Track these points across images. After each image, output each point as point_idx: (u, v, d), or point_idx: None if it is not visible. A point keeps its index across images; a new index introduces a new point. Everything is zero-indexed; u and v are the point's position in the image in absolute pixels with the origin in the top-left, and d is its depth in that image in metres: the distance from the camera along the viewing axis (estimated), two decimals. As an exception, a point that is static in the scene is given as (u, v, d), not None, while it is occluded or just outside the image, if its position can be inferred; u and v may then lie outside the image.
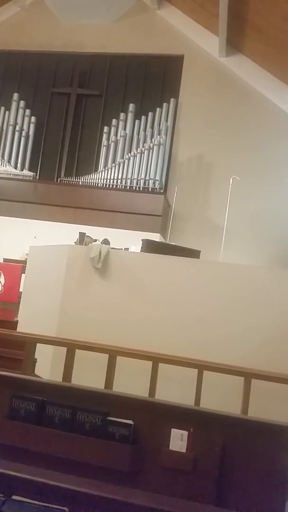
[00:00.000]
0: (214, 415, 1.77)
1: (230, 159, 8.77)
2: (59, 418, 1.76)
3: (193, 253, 4.39)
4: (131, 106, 9.32)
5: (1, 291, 7.21)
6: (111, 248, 4.11)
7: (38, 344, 3.42)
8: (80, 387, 1.87)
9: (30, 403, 1.78)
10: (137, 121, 9.26)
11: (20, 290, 6.32)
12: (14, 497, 0.96)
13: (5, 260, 7.92)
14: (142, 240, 4.21)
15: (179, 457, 1.73)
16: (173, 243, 5.27)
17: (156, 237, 7.77)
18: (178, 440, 1.74)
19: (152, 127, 9.17)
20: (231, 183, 6.65)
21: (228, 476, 1.66)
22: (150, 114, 9.24)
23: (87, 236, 4.73)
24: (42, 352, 3.66)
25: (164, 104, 9.23)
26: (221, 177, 8.36)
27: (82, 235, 4.71)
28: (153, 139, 8.94)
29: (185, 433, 1.75)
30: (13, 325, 4.72)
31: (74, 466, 1.49)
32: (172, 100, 9.24)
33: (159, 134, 8.98)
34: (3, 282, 7.24)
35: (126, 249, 4.80)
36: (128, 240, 5.97)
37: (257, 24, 8.01)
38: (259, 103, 8.95)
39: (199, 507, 1.09)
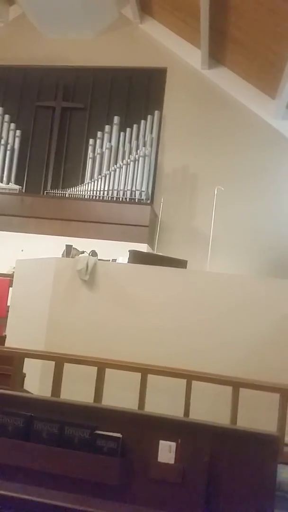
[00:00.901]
0: (202, 425, 1.79)
1: (214, 169, 8.89)
2: (47, 433, 1.76)
3: (180, 263, 4.43)
4: (116, 119, 9.41)
5: (-12, 305, 7.14)
6: (99, 259, 4.12)
7: (27, 360, 3.40)
8: (68, 401, 1.87)
9: (18, 419, 1.77)
10: (122, 133, 9.35)
11: (8, 304, 6.28)
12: (1, 514, 0.96)
13: (-8, 274, 7.86)
14: (129, 251, 4.23)
15: (168, 468, 1.73)
16: (160, 254, 5.31)
17: (143, 247, 7.80)
18: (167, 451, 1.75)
19: (137, 139, 9.27)
20: (215, 193, 6.74)
21: (217, 486, 1.67)
22: (135, 126, 9.34)
23: (73, 248, 4.74)
24: (31, 366, 3.64)
25: (149, 116, 9.34)
26: (206, 187, 8.46)
27: (68, 247, 4.72)
28: (138, 151, 9.02)
29: (173, 444, 1.75)
30: (1, 340, 4.69)
31: (62, 481, 1.49)
32: (156, 112, 9.36)
33: (144, 146, 9.07)
34: (-10, 296, 7.17)
35: (114, 260, 4.82)
36: (116, 251, 5.99)
37: (238, 38, 8.20)
38: (242, 113, 9.12)
39: None
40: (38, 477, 1.39)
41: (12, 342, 4.38)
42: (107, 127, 9.39)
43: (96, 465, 1.71)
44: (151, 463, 1.74)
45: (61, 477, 1.64)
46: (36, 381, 3.82)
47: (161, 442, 1.75)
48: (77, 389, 3.05)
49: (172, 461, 1.74)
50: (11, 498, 0.98)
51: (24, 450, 1.75)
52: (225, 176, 8.65)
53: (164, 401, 3.22)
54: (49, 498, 0.98)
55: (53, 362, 3.20)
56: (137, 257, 4.19)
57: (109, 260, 4.73)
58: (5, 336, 4.79)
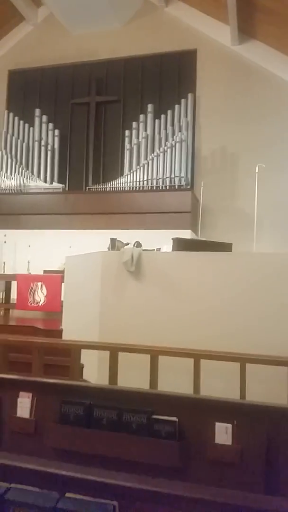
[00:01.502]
0: (257, 406, 1.80)
1: (254, 147, 8.65)
2: (106, 420, 1.84)
3: (225, 247, 4.39)
4: (150, 107, 9.38)
5: (44, 302, 7.46)
6: (143, 250, 4.18)
7: (83, 350, 3.53)
8: (124, 388, 1.95)
9: (78, 407, 1.87)
10: (157, 121, 9.31)
11: (62, 299, 6.51)
12: (67, 494, 1.05)
13: (45, 271, 8.18)
14: (172, 239, 4.25)
15: (225, 449, 1.76)
16: (204, 239, 5.28)
17: (187, 233, 7.78)
18: (223, 433, 1.78)
19: (173, 124, 9.19)
20: (257, 171, 6.57)
21: (275, 466, 1.68)
22: (169, 112, 9.26)
23: (118, 241, 4.83)
24: (88, 357, 3.78)
25: (182, 100, 9.22)
26: (247, 166, 8.26)
27: (113, 240, 4.81)
28: (174, 137, 8.96)
29: (229, 426, 1.78)
30: (58, 333, 4.89)
31: (123, 465, 1.56)
32: (189, 95, 9.22)
33: (180, 131, 8.98)
34: (45, 293, 7.48)
35: (158, 249, 4.86)
36: (160, 240, 6.02)
37: (268, 7, 7.85)
38: (278, 86, 8.77)
39: (249, 496, 1.13)
40: (99, 461, 1.47)
41: (68, 335, 4.56)
42: (141, 117, 9.39)
43: (155, 448, 1.77)
44: (208, 445, 1.77)
45: (121, 461, 1.71)
46: (94, 371, 3.97)
47: (217, 424, 1.78)
48: (133, 377, 3.14)
49: (229, 443, 1.77)
50: (74, 478, 1.06)
51: (86, 436, 1.85)
52: (266, 152, 8.39)
53: (219, 386, 3.24)
54: (109, 478, 1.04)
55: (108, 352, 3.30)
56: (181, 245, 4.20)
57: (154, 250, 4.77)
58: (61, 330, 4.99)
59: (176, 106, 9.23)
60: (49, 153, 9.86)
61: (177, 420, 1.79)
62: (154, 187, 8.86)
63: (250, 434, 1.74)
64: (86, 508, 1.00)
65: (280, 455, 1.70)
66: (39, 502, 1.03)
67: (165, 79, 9.65)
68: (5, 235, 9.21)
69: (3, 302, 8.39)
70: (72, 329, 4.67)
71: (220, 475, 1.71)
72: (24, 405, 2.04)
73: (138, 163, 9.19)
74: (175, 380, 3.15)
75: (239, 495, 1.03)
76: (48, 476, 1.10)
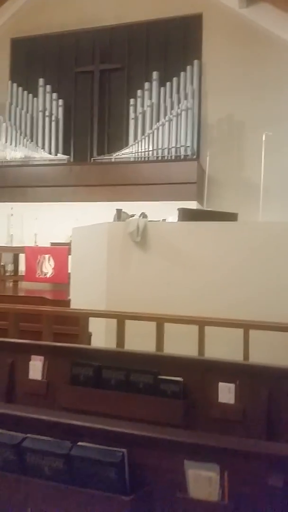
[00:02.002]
0: (258, 367, 1.87)
1: (261, 114, 8.47)
2: (114, 380, 1.93)
3: (230, 217, 4.39)
4: (155, 74, 9.17)
5: (52, 273, 7.57)
6: (149, 221, 4.20)
7: (91, 319, 3.62)
8: (131, 351, 2.03)
9: (88, 369, 1.95)
10: (162, 89, 9.12)
11: (69, 271, 6.60)
12: (79, 443, 1.13)
13: (52, 244, 8.25)
14: (178, 209, 4.26)
15: (228, 408, 1.85)
16: (209, 209, 5.28)
17: (193, 205, 7.76)
18: (226, 392, 1.86)
19: (178, 92, 9.01)
20: (264, 139, 6.47)
21: (277, 423, 1.76)
22: (174, 79, 9.06)
23: (123, 212, 4.84)
24: (96, 326, 3.88)
25: (188, 67, 9.00)
26: (254, 134, 8.12)
27: (119, 211, 4.83)
28: (180, 105, 8.80)
29: (232, 386, 1.86)
30: (66, 303, 4.99)
31: (130, 423, 1.65)
32: (195, 61, 8.99)
33: (185, 99, 8.81)
34: (53, 265, 7.59)
35: (164, 220, 4.87)
36: (166, 211, 6.03)
37: None
38: (287, 51, 8.50)
39: (250, 442, 1.19)
40: (108, 419, 1.55)
41: (76, 305, 4.66)
42: (146, 84, 9.20)
43: (161, 407, 1.86)
44: (212, 403, 1.86)
45: (129, 419, 1.80)
46: (101, 340, 4.07)
47: (220, 384, 1.86)
48: (140, 345, 3.22)
49: (232, 401, 1.85)
50: (86, 427, 1.13)
51: (95, 396, 1.94)
52: (273, 120, 8.23)
53: (223, 353, 3.32)
54: (118, 427, 1.12)
55: (115, 320, 3.39)
56: (186, 215, 4.21)
57: (159, 221, 4.79)
58: (69, 301, 5.09)
59: (182, 73, 9.01)
60: (53, 123, 9.75)
61: (182, 380, 1.87)
62: (160, 158, 8.78)
63: (252, 394, 1.82)
64: (97, 455, 1.08)
65: (281, 413, 1.78)
66: (54, 449, 1.11)
67: (170, 45, 9.39)
68: (11, 208, 9.24)
69: (12, 274, 8.52)
70: (80, 300, 4.76)
71: (223, 433, 1.79)
72: (36, 368, 2.13)
73: (143, 133, 9.07)
74: (180, 348, 3.23)
75: (241, 441, 1.10)
76: (61, 426, 1.18)
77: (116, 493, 1.06)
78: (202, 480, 1.02)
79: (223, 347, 3.39)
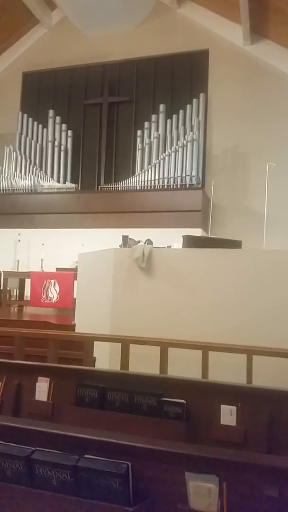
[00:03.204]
0: (260, 390, 1.91)
1: (265, 146, 8.71)
2: (119, 402, 1.97)
3: (234, 244, 4.48)
4: (162, 107, 9.50)
5: (57, 298, 7.64)
6: (154, 247, 4.30)
7: (95, 345, 3.67)
8: (135, 373, 2.07)
9: (93, 390, 2.00)
10: (168, 121, 9.42)
11: (74, 296, 6.66)
12: (86, 455, 1.18)
13: (57, 269, 8.36)
14: (182, 236, 4.36)
15: (230, 430, 1.88)
16: (214, 236, 5.38)
17: (197, 232, 7.89)
18: (228, 415, 1.90)
19: (184, 124, 9.30)
20: (267, 170, 6.64)
21: (277, 444, 1.79)
22: (181, 112, 9.37)
23: (130, 238, 4.96)
24: (100, 352, 3.91)
25: (194, 100, 9.32)
26: (258, 165, 8.32)
27: (125, 238, 4.95)
28: (186, 136, 9.06)
29: (234, 408, 1.90)
30: (71, 328, 5.03)
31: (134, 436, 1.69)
32: (201, 95, 9.32)
33: (191, 131, 9.08)
34: (58, 290, 7.66)
35: (169, 247, 4.97)
36: (171, 238, 6.14)
37: (280, 7, 7.91)
38: (290, 86, 8.81)
39: (252, 455, 1.23)
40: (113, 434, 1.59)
41: (81, 330, 4.70)
42: (153, 117, 9.51)
43: (164, 428, 1.89)
44: (214, 425, 1.89)
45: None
46: (105, 364, 4.10)
47: (223, 406, 1.90)
48: (143, 367, 3.25)
49: (233, 424, 1.88)
50: (92, 440, 1.18)
51: (100, 417, 1.98)
52: (277, 151, 8.45)
53: (226, 376, 3.34)
54: (123, 439, 1.17)
55: (120, 345, 3.43)
56: (191, 242, 4.31)
57: (165, 247, 4.89)
58: (74, 325, 5.13)
59: (188, 106, 9.33)
60: (62, 153, 10.05)
61: (185, 402, 1.91)
62: (166, 186, 8.99)
63: (254, 416, 1.85)
64: (103, 467, 1.13)
65: (282, 436, 1.81)
66: (62, 461, 1.16)
67: (177, 79, 9.76)
68: (19, 234, 9.42)
69: (17, 299, 8.60)
70: (85, 324, 4.80)
71: (225, 453, 1.82)
72: (42, 389, 2.18)
73: (149, 163, 9.31)
74: (183, 371, 3.26)
75: (239, 453, 1.14)
76: (68, 440, 1.23)
77: (120, 504, 1.10)
78: (202, 492, 1.06)
79: (225, 372, 3.42)
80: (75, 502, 1.13)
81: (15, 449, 1.24)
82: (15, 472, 1.21)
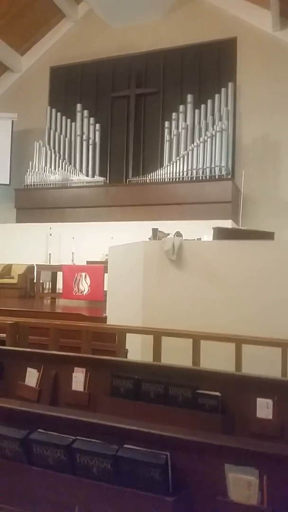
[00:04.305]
0: (297, 383, 1.88)
1: (297, 134, 8.47)
2: (154, 393, 1.99)
3: (267, 235, 4.40)
4: (190, 97, 9.39)
5: (88, 291, 7.75)
6: (184, 239, 4.28)
7: (127, 337, 3.70)
8: (169, 365, 2.09)
9: (128, 381, 2.03)
10: (197, 111, 9.30)
11: (105, 289, 6.73)
12: (125, 445, 1.20)
13: (88, 262, 8.46)
14: (213, 228, 4.33)
15: (267, 423, 1.87)
16: (245, 228, 5.30)
17: (228, 223, 7.79)
18: (264, 408, 1.88)
19: (213, 114, 9.16)
20: (300, 159, 6.46)
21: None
22: (209, 101, 9.23)
23: (159, 231, 4.96)
24: (131, 344, 3.95)
25: (223, 89, 9.16)
26: (290, 154, 8.11)
27: (155, 230, 4.95)
28: (214, 126, 8.93)
29: (270, 401, 1.88)
30: (103, 320, 5.10)
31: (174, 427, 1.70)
32: (230, 84, 9.14)
33: (220, 120, 8.94)
34: (89, 283, 7.76)
35: (199, 239, 4.94)
36: (201, 230, 6.09)
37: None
38: None
39: None
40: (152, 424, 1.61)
41: (112, 322, 4.76)
42: (181, 107, 9.42)
43: (199, 421, 1.90)
44: (250, 418, 1.88)
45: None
46: (137, 356, 4.14)
47: (259, 399, 1.89)
48: (174, 360, 3.26)
49: (270, 417, 1.87)
50: (131, 430, 1.21)
51: (135, 408, 2.01)
52: (309, 140, 8.20)
53: (260, 370, 3.31)
54: (162, 430, 1.18)
55: (151, 337, 3.45)
56: (221, 234, 4.27)
57: (194, 240, 4.86)
58: (105, 317, 5.20)
59: (216, 96, 9.18)
60: (90, 147, 10.12)
61: (220, 395, 1.91)
62: (194, 178, 8.90)
63: (291, 410, 1.83)
64: (142, 457, 1.15)
65: None
66: (102, 451, 1.19)
67: (204, 69, 9.61)
68: (50, 228, 9.58)
69: (50, 291, 8.78)
70: (116, 317, 4.86)
71: (261, 446, 1.81)
72: (78, 380, 2.23)
73: (178, 154, 9.24)
74: (215, 365, 3.25)
75: (280, 446, 1.13)
76: (108, 429, 1.26)
77: (159, 494, 1.12)
78: (242, 484, 1.06)
79: (259, 364, 3.38)
80: (115, 490, 1.16)
81: (57, 438, 1.27)
82: (56, 460, 1.25)
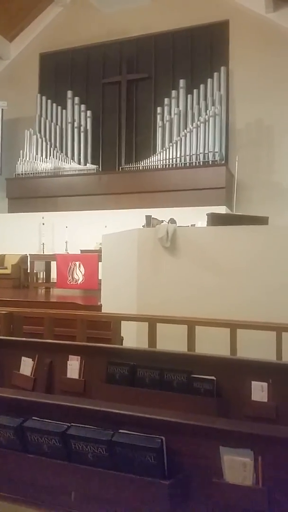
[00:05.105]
0: (291, 366, 1.89)
1: (291, 118, 8.41)
2: (149, 379, 1.99)
3: (261, 220, 4.39)
4: (182, 82, 9.28)
5: (82, 280, 7.74)
6: (178, 226, 4.26)
7: (122, 325, 3.70)
8: (164, 351, 2.09)
9: (123, 368, 2.03)
10: (189, 96, 9.21)
11: (99, 277, 6.73)
12: (120, 430, 1.20)
13: (82, 251, 8.44)
14: (207, 214, 4.31)
15: (262, 406, 1.87)
16: (239, 213, 5.29)
17: (222, 210, 7.77)
18: (259, 391, 1.89)
19: (206, 99, 9.07)
20: (293, 143, 6.43)
21: (310, 420, 1.78)
22: (201, 86, 9.14)
23: (153, 218, 4.93)
24: (126, 332, 3.96)
25: (215, 74, 9.06)
26: (284, 138, 8.07)
27: (148, 217, 4.93)
28: (207, 111, 8.85)
29: (265, 384, 1.89)
30: (98, 309, 5.10)
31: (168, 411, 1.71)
32: (222, 68, 9.04)
33: (213, 105, 8.86)
34: (83, 272, 7.75)
35: (193, 225, 4.92)
36: (195, 216, 6.08)
37: None
38: (316, 53, 8.43)
39: (285, 428, 1.22)
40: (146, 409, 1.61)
41: (107, 310, 4.76)
42: (173, 92, 9.31)
43: (195, 405, 1.90)
44: (245, 402, 1.89)
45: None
46: (132, 344, 4.15)
47: (253, 382, 1.89)
48: (170, 347, 3.27)
49: (265, 400, 1.88)
50: (127, 415, 1.21)
51: (131, 394, 2.01)
52: (303, 123, 8.16)
53: (254, 354, 3.32)
54: (157, 415, 1.18)
55: (146, 324, 3.45)
56: (215, 220, 4.25)
57: (188, 226, 4.84)
58: (100, 306, 5.19)
59: (209, 80, 9.08)
60: (82, 134, 10.00)
61: (215, 378, 1.91)
62: (188, 164, 8.85)
63: (285, 392, 1.84)
64: (137, 441, 1.15)
65: (314, 411, 1.79)
66: (97, 436, 1.19)
67: (196, 53, 9.49)
68: (43, 217, 9.51)
69: (44, 281, 8.75)
70: (111, 305, 4.85)
71: (256, 429, 1.82)
72: (73, 367, 2.23)
73: (170, 140, 9.17)
74: (210, 351, 3.26)
75: (274, 427, 1.14)
76: (102, 415, 1.26)
77: (155, 478, 1.12)
78: (237, 466, 1.06)
79: (254, 349, 3.40)
80: (111, 475, 1.16)
81: (51, 425, 1.27)
82: (52, 447, 1.25)
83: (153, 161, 9.23)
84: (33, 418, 1.33)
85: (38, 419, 1.33)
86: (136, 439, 1.15)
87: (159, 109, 9.39)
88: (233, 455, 1.07)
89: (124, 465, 1.16)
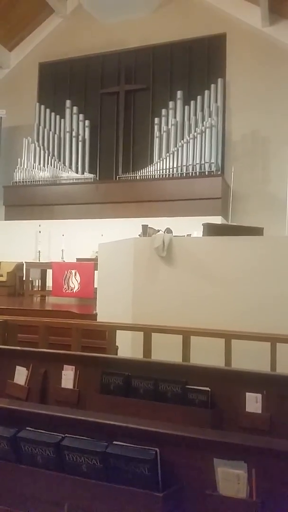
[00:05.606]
0: (285, 377, 1.90)
1: (286, 130, 8.51)
2: (143, 389, 1.99)
3: (256, 231, 4.42)
4: (179, 93, 9.37)
5: (78, 288, 7.72)
6: (174, 236, 4.28)
7: (117, 334, 3.70)
8: (159, 361, 2.09)
9: (118, 378, 2.02)
10: (186, 107, 9.30)
11: (95, 286, 6.71)
12: (114, 442, 1.20)
13: (78, 260, 8.43)
14: (202, 224, 4.33)
15: (256, 417, 1.88)
16: (235, 224, 5.32)
17: (217, 220, 7.81)
18: (253, 402, 1.89)
19: (202, 110, 9.16)
20: (288, 154, 6.50)
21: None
22: (198, 97, 9.23)
23: (149, 227, 4.95)
24: (122, 341, 3.95)
25: (212, 86, 9.17)
26: (279, 149, 8.16)
27: (145, 227, 4.94)
28: (204, 122, 8.93)
29: (259, 395, 1.89)
30: (93, 317, 5.09)
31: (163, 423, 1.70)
32: (219, 80, 9.15)
33: (210, 116, 8.95)
34: (79, 280, 7.74)
35: (189, 235, 4.94)
36: (190, 226, 6.10)
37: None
38: (311, 67, 8.56)
39: (279, 441, 1.22)
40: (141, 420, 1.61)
41: (102, 319, 4.75)
42: (171, 103, 9.40)
43: (189, 416, 1.90)
44: (239, 413, 1.89)
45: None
46: (128, 353, 4.14)
47: (248, 394, 1.90)
48: (165, 357, 3.27)
49: (259, 411, 1.88)
50: (121, 427, 1.20)
51: (125, 404, 2.01)
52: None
53: (249, 365, 3.32)
54: (151, 426, 1.18)
55: (141, 334, 3.45)
56: (211, 230, 4.28)
57: (184, 236, 4.86)
58: (96, 315, 5.18)
59: (206, 92, 9.18)
60: (80, 143, 10.06)
61: (209, 390, 1.91)
62: (184, 174, 8.91)
63: (279, 403, 1.84)
64: (131, 453, 1.15)
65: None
66: (91, 448, 1.19)
67: (194, 65, 9.61)
68: (39, 225, 9.52)
69: (39, 289, 8.73)
70: (106, 314, 4.85)
71: (250, 441, 1.82)
72: (68, 377, 2.22)
73: (167, 151, 9.24)
74: (206, 362, 3.26)
75: (267, 440, 1.14)
76: (97, 426, 1.26)
77: (149, 489, 1.12)
78: (231, 478, 1.06)
79: (249, 359, 3.40)
80: (105, 487, 1.16)
81: (45, 436, 1.26)
82: (45, 458, 1.24)
83: (150, 171, 9.29)
84: (27, 428, 1.33)
85: (32, 429, 1.32)
86: (130, 450, 1.15)
87: (156, 120, 9.47)
88: (227, 467, 1.07)
89: (118, 477, 1.15)
